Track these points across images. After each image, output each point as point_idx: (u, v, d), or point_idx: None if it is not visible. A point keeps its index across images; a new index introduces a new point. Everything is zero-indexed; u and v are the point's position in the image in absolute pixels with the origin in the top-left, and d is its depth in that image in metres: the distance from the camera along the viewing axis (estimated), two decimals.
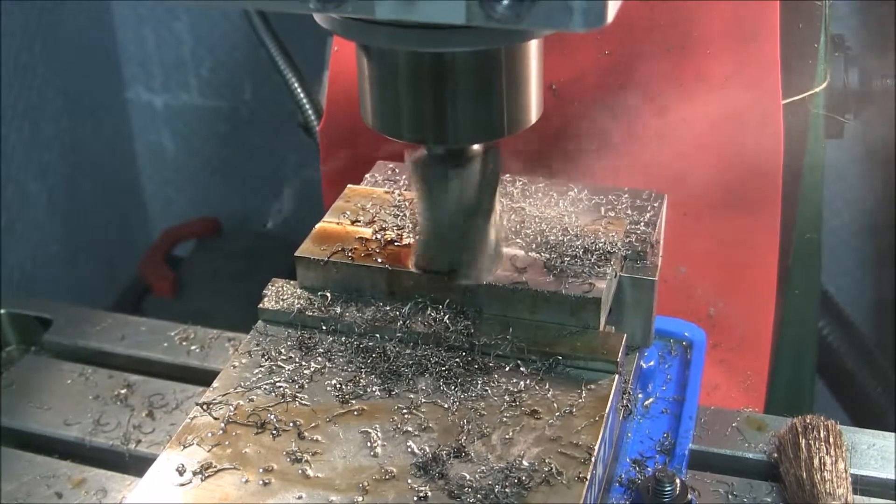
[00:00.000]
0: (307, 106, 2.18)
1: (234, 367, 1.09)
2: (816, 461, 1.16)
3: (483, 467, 0.95)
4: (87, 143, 3.10)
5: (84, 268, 3.13)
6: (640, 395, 1.28)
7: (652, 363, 1.30)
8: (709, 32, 1.49)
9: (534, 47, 1.01)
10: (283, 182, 3.24)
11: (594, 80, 1.54)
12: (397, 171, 1.34)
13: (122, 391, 1.37)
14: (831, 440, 1.18)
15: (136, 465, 1.27)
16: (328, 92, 1.72)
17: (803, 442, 1.18)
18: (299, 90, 2.18)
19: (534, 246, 1.16)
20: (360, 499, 0.93)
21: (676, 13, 1.48)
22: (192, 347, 1.43)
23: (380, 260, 1.15)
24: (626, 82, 1.53)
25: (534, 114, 1.04)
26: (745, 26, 1.48)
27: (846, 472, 1.16)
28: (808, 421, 1.21)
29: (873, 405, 2.54)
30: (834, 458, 1.16)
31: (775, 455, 1.23)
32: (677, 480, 1.11)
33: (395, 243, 1.18)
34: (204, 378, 1.38)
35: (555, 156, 1.54)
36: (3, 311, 1.52)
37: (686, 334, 1.37)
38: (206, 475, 0.96)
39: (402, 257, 1.16)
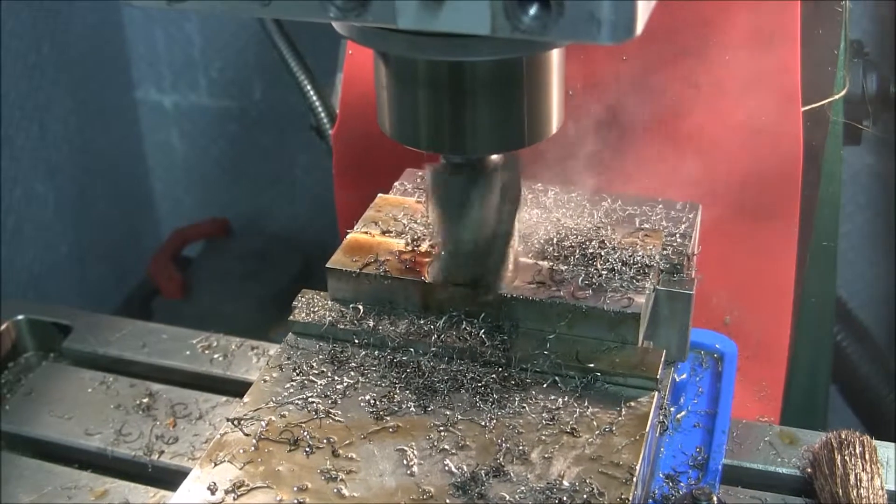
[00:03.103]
0: (319, 109, 2.16)
1: (265, 381, 1.07)
2: (852, 478, 1.14)
3: (523, 487, 0.93)
4: (96, 144, 3.08)
5: (92, 269, 3.12)
6: (671, 409, 1.26)
7: (684, 376, 1.28)
8: (727, 37, 1.47)
9: (556, 56, 0.99)
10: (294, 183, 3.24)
11: (611, 86, 1.52)
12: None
13: (145, 400, 1.35)
14: (867, 456, 1.17)
15: (159, 476, 1.25)
16: (342, 96, 1.70)
17: (839, 458, 1.16)
18: (312, 93, 2.17)
19: (571, 259, 1.14)
20: None
21: (694, 17, 1.47)
22: (215, 356, 1.41)
23: (416, 271, 1.13)
24: (643, 87, 1.51)
25: (555, 123, 1.02)
26: (765, 31, 1.46)
27: (882, 488, 1.14)
28: (843, 436, 1.19)
29: (886, 412, 2.53)
30: (870, 475, 1.14)
31: (809, 470, 1.21)
32: (714, 498, 1.09)
33: (429, 255, 1.16)
34: (227, 387, 1.37)
35: (570, 162, 1.52)
36: (21, 317, 1.50)
37: (717, 346, 1.35)
38: (239, 494, 0.94)
39: None
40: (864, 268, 2.81)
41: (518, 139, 1.00)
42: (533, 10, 0.76)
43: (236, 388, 1.35)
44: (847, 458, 1.16)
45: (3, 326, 1.48)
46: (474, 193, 1.06)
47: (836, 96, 1.62)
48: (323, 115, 2.16)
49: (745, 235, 1.55)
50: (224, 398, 1.34)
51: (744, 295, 1.58)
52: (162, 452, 1.27)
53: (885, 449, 1.23)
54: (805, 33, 1.48)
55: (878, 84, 1.91)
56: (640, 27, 0.76)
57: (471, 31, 0.79)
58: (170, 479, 1.23)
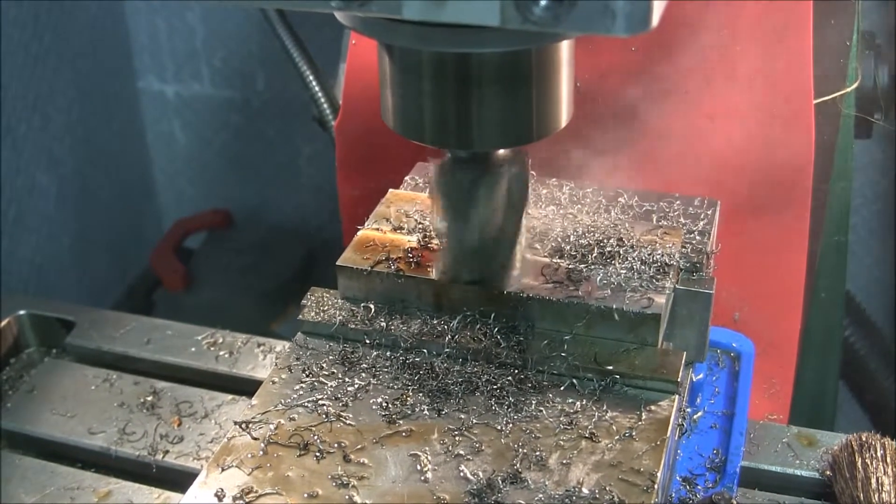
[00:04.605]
0: (322, 100, 2.13)
1: (274, 382, 1.05)
2: (873, 481, 1.12)
3: (541, 495, 0.91)
4: (98, 134, 3.05)
5: (94, 260, 3.09)
6: (688, 409, 1.23)
7: (701, 376, 1.25)
8: (739, 29, 1.45)
9: (566, 48, 0.96)
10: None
11: (620, 78, 1.50)
12: None
13: (149, 398, 1.32)
14: (888, 459, 1.14)
15: (164, 476, 1.23)
16: (345, 88, 1.68)
17: (859, 461, 1.14)
18: (314, 84, 2.13)
19: (589, 258, 1.11)
20: None
21: (706, 10, 1.45)
22: (221, 352, 1.38)
23: (428, 269, 1.11)
24: (653, 80, 1.48)
25: (564, 117, 1.00)
26: (777, 23, 1.44)
27: None
28: (863, 438, 1.17)
29: (895, 407, 2.51)
30: (892, 478, 1.12)
31: (828, 473, 1.18)
32: (734, 503, 1.06)
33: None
34: (233, 385, 1.35)
35: (579, 155, 1.50)
36: (23, 312, 1.47)
37: (734, 345, 1.32)
38: (247, 500, 0.92)
39: None
40: (871, 262, 2.79)
41: (526, 133, 0.98)
42: (544, 1, 0.73)
43: (242, 386, 1.33)
44: (868, 460, 1.14)
45: (5, 322, 1.45)
46: (480, 189, 1.03)
47: (849, 89, 1.60)
48: (325, 105, 2.13)
49: (756, 230, 1.53)
50: (230, 396, 1.32)
51: (753, 291, 1.56)
52: (167, 452, 1.25)
53: None
54: (817, 24, 1.46)
55: (890, 76, 1.88)
56: (656, 19, 0.73)
57: (479, 23, 0.76)
58: (175, 479, 1.21)
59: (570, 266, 1.10)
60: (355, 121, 1.66)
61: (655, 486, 0.91)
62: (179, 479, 1.18)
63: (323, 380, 1.04)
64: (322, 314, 1.11)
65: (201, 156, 3.33)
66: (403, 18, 0.79)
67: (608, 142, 1.51)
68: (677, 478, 1.15)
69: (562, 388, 1.02)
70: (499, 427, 0.98)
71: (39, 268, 2.83)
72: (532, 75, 0.94)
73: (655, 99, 1.50)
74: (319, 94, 2.13)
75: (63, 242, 2.94)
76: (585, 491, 0.91)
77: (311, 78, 2.13)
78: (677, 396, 1.02)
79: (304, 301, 1.13)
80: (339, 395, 1.02)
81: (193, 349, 1.40)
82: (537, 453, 0.95)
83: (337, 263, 1.12)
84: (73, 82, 2.89)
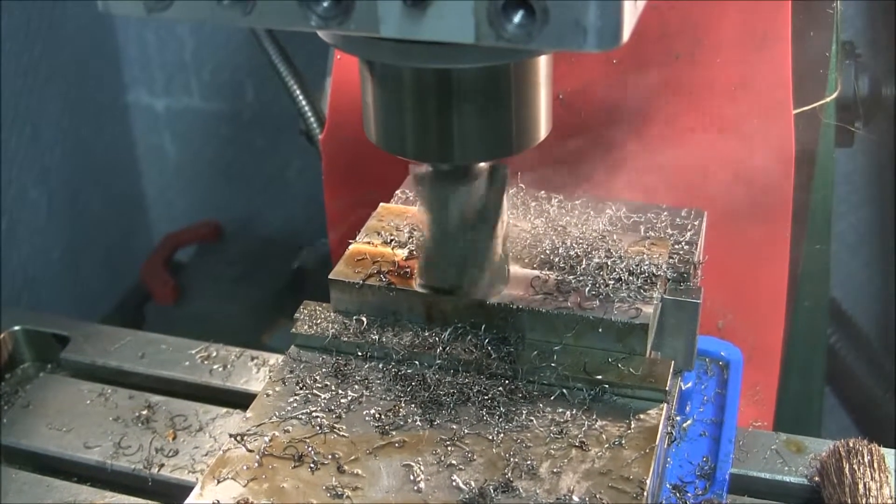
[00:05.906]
0: (309, 113, 2.13)
1: (268, 395, 1.06)
2: (861, 487, 1.13)
3: (532, 503, 0.92)
4: (89, 147, 3.06)
5: (85, 273, 3.09)
6: (677, 418, 1.25)
7: (690, 384, 1.27)
8: (719, 40, 1.46)
9: (544, 62, 0.98)
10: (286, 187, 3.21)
11: (602, 90, 1.51)
12: None
13: (144, 412, 1.33)
14: (875, 464, 1.16)
15: (159, 490, 1.24)
16: (330, 102, 1.68)
17: (847, 466, 1.15)
18: (301, 98, 2.14)
19: (578, 269, 1.12)
20: None
21: (686, 20, 1.46)
22: (215, 366, 1.39)
23: (418, 283, 1.12)
24: (634, 91, 1.50)
25: (543, 129, 1.01)
26: (756, 34, 1.46)
27: (892, 497, 1.13)
28: (851, 445, 1.18)
29: (882, 414, 2.52)
30: (879, 484, 1.13)
31: (817, 479, 1.20)
32: None
33: None
34: (227, 398, 1.35)
35: (562, 167, 1.51)
36: (18, 327, 1.48)
37: (722, 353, 1.34)
38: None
39: None
40: (859, 268, 2.80)
41: (506, 146, 0.99)
42: (517, 18, 0.75)
43: (236, 399, 1.34)
44: (856, 466, 1.15)
45: (0, 337, 1.46)
46: (459, 201, 1.05)
47: (828, 98, 1.62)
48: (312, 119, 2.14)
49: (738, 239, 1.54)
50: (224, 409, 1.33)
51: (737, 299, 1.57)
52: (162, 465, 1.25)
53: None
54: (796, 35, 1.47)
55: (871, 86, 1.89)
56: (626, 34, 0.75)
57: (454, 40, 0.78)
58: (170, 492, 1.22)
59: (558, 277, 1.12)
60: (341, 134, 1.67)
61: (645, 493, 0.93)
62: (175, 493, 1.19)
63: (316, 392, 1.05)
64: (315, 327, 1.12)
65: (191, 168, 3.33)
66: (381, 36, 0.80)
67: (588, 154, 1.53)
68: (667, 485, 1.16)
69: (552, 398, 1.04)
70: (490, 437, 0.99)
71: (31, 280, 2.84)
72: (511, 89, 0.96)
73: (637, 111, 1.51)
74: (306, 108, 2.13)
75: (54, 255, 2.94)
76: (576, 499, 0.92)
77: (297, 92, 2.14)
78: (666, 405, 1.03)
79: (296, 314, 1.14)
80: (333, 407, 1.03)
81: (187, 363, 1.41)
82: (528, 462, 0.96)
83: (329, 277, 1.14)
84: (63, 94, 2.90)
